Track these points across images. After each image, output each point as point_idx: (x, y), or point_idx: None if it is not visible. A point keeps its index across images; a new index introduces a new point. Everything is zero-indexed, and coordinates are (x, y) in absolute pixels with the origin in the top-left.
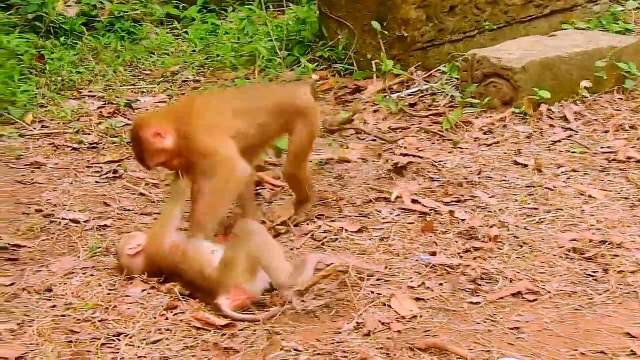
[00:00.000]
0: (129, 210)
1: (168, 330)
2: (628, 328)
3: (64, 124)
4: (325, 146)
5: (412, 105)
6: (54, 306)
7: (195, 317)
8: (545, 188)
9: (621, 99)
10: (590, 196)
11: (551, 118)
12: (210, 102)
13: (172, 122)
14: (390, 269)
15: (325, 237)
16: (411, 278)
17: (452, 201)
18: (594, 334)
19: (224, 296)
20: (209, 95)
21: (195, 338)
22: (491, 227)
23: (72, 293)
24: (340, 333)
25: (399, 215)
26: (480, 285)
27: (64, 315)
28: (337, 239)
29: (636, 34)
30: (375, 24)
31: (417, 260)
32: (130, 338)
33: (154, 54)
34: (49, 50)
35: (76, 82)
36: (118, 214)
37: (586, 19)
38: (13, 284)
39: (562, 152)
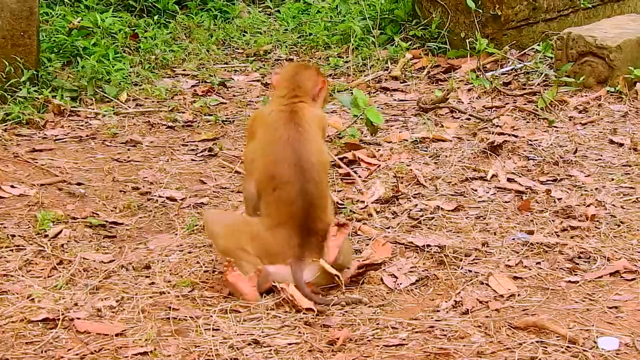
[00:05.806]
0: (224, 188)
1: (266, 307)
2: None
3: (158, 102)
4: (420, 125)
5: (506, 84)
6: (153, 283)
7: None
8: None
9: None
10: None
11: None
12: None
13: None
14: (487, 247)
15: (422, 216)
16: (508, 257)
17: (548, 180)
18: None
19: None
20: None
21: (294, 316)
22: (588, 206)
23: (170, 270)
24: (438, 311)
25: (494, 193)
26: (577, 264)
27: (162, 292)
28: (433, 218)
29: None
30: (470, 2)
31: (514, 239)
32: (229, 315)
33: (246, 32)
34: (142, 28)
35: (169, 60)
36: (214, 191)
37: None
38: (112, 261)
39: None
